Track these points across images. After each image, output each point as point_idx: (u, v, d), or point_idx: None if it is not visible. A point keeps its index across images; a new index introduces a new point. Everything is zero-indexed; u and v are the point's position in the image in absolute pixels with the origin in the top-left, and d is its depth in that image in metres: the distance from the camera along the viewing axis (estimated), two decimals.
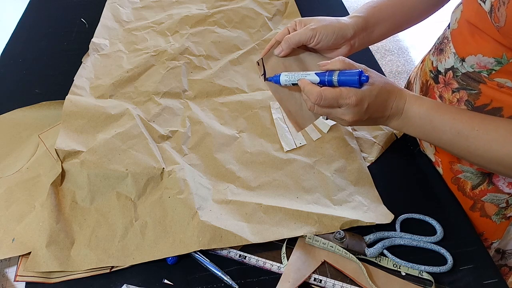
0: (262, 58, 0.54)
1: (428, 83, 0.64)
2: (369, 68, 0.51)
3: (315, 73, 0.50)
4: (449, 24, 0.61)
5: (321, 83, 0.49)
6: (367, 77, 0.47)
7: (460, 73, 0.56)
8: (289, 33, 0.55)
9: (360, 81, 0.47)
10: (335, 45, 0.55)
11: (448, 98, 0.59)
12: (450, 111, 0.50)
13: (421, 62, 0.71)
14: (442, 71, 0.60)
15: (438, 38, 0.65)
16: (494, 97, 0.53)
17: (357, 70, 0.47)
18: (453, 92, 0.58)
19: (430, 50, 0.67)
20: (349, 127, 0.68)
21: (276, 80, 0.54)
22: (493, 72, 0.52)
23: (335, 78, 0.48)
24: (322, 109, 0.50)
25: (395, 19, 0.61)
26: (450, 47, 0.58)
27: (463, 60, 0.55)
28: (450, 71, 0.58)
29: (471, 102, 0.55)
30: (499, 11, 0.45)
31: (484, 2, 0.48)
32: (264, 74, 0.55)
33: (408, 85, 0.75)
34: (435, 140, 0.52)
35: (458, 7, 0.59)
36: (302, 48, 0.55)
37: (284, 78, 0.53)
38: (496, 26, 0.47)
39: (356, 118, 0.49)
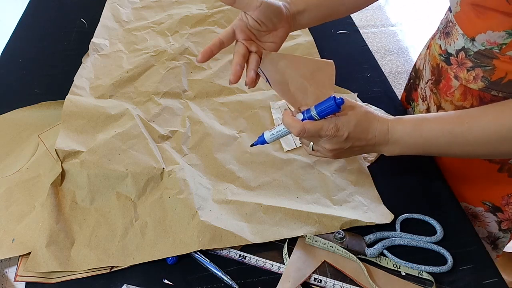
0: (259, 68, 0.54)
1: (440, 66, 0.64)
2: (349, 99, 0.52)
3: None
4: (449, 8, 0.61)
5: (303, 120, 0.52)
6: (342, 99, 0.49)
7: (472, 52, 0.57)
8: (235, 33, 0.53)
9: (337, 104, 0.48)
10: (274, 26, 0.54)
11: (464, 77, 0.59)
12: (434, 118, 0.51)
13: (427, 49, 0.71)
14: (453, 52, 0.60)
15: (441, 23, 0.65)
16: (509, 70, 0.54)
17: (330, 96, 0.49)
18: (468, 70, 0.58)
19: (434, 36, 0.68)
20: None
21: (261, 141, 0.57)
22: (504, 46, 0.52)
23: (313, 112, 0.50)
24: (305, 139, 0.54)
25: (320, 10, 0.60)
26: (456, 29, 0.59)
27: (473, 39, 0.56)
28: (462, 51, 0.58)
29: (487, 77, 0.56)
30: None
31: None
32: (268, 81, 0.56)
33: (417, 73, 0.76)
34: (433, 150, 0.52)
35: None
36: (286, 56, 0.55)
37: (269, 133, 0.56)
38: None
39: (336, 146, 0.51)
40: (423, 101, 0.73)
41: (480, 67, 0.56)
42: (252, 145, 0.58)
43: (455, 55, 0.60)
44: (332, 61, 0.55)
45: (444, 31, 0.63)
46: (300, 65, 0.54)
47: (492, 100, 0.57)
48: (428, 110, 0.71)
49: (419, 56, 0.77)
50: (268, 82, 0.56)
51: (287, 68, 0.54)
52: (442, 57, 0.63)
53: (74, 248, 0.55)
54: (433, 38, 0.69)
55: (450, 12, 0.61)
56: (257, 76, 0.54)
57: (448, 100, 0.64)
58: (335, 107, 0.48)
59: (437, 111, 0.67)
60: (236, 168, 0.65)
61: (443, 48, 0.63)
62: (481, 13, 0.53)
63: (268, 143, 0.57)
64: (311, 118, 0.50)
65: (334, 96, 0.49)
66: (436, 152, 0.52)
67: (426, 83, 0.70)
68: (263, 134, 0.56)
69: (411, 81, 0.79)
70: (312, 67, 0.54)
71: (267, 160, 0.66)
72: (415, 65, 0.78)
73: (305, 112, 0.51)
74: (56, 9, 1.03)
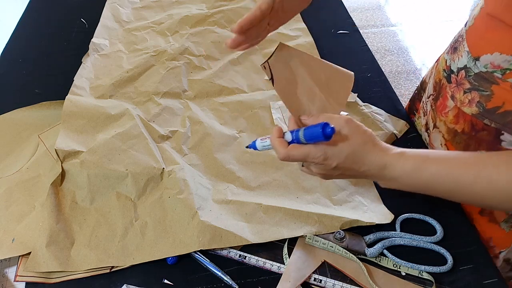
0: (267, 62, 0.50)
1: (441, 83, 0.63)
2: (354, 123, 0.46)
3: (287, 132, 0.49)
4: (466, 23, 0.60)
5: (291, 143, 0.47)
6: (332, 129, 0.43)
7: (473, 73, 0.55)
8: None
9: (324, 134, 0.43)
10: (290, 9, 0.51)
11: (459, 99, 0.58)
12: (437, 160, 0.45)
13: (436, 61, 0.70)
14: (455, 70, 0.59)
15: (454, 37, 0.64)
16: (507, 99, 0.51)
17: (320, 123, 0.44)
18: (464, 92, 0.57)
19: (446, 49, 0.66)
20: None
21: (253, 146, 0.53)
22: (508, 71, 0.50)
23: (301, 134, 0.45)
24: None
25: None
26: (464, 45, 0.57)
27: (476, 59, 0.54)
28: (463, 70, 0.57)
29: (482, 104, 0.54)
30: None
31: None
32: (272, 78, 0.50)
33: (423, 85, 0.75)
34: (434, 193, 0.48)
35: (478, 4, 0.57)
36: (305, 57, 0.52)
37: (260, 143, 0.52)
38: None
39: (324, 172, 0.47)
40: (424, 115, 0.72)
41: (477, 90, 0.54)
42: (246, 147, 0.55)
43: (456, 73, 0.58)
44: (352, 73, 0.50)
45: (454, 45, 0.61)
46: (316, 68, 0.50)
47: (483, 129, 0.55)
48: (426, 125, 0.70)
49: (430, 68, 0.75)
50: (272, 79, 0.50)
51: (300, 67, 0.50)
52: (445, 73, 0.62)
53: (74, 248, 0.55)
54: (444, 51, 0.67)
55: (465, 26, 0.59)
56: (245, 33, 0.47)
57: (442, 120, 0.63)
58: (322, 138, 0.43)
59: (433, 129, 0.66)
60: (236, 168, 0.65)
61: (447, 64, 0.61)
62: (492, 29, 0.51)
63: (258, 150, 0.53)
64: (298, 140, 0.46)
65: (324, 123, 0.43)
66: (437, 195, 0.48)
67: (428, 97, 0.69)
68: (256, 140, 0.53)
69: (416, 91, 0.78)
70: (329, 73, 0.51)
71: (267, 160, 0.66)
72: (424, 76, 0.77)
73: (294, 132, 0.47)
74: (56, 9, 1.03)
